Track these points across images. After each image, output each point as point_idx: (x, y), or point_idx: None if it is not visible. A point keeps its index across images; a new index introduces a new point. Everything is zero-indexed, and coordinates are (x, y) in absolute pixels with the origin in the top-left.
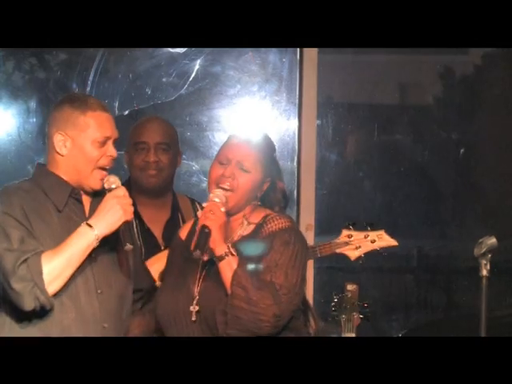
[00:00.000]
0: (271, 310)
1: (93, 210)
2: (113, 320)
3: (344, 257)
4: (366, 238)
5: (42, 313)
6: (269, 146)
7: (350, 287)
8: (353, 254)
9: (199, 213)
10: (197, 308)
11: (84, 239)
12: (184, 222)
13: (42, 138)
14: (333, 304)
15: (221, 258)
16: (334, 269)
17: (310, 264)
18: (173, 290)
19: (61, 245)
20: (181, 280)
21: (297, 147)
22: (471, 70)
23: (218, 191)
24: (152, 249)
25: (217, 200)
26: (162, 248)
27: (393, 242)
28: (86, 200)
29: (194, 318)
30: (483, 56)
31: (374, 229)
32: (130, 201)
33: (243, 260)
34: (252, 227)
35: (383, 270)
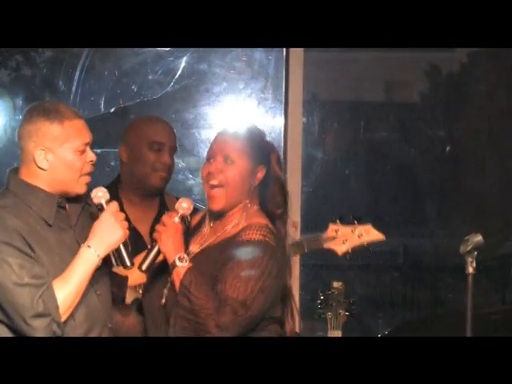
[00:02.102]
0: (212, 321)
1: (73, 213)
2: (113, 320)
3: (330, 254)
4: (352, 232)
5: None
6: (255, 133)
7: (335, 284)
8: (340, 249)
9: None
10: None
11: (89, 263)
12: None
13: None
14: (319, 301)
15: (172, 267)
16: (320, 266)
17: (296, 261)
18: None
19: (67, 271)
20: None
21: (283, 145)
22: (457, 67)
23: (184, 203)
24: (138, 248)
25: (180, 211)
26: (149, 247)
27: (380, 236)
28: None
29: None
30: (469, 53)
31: (361, 223)
32: (123, 215)
33: (194, 270)
34: (236, 230)
35: (369, 267)
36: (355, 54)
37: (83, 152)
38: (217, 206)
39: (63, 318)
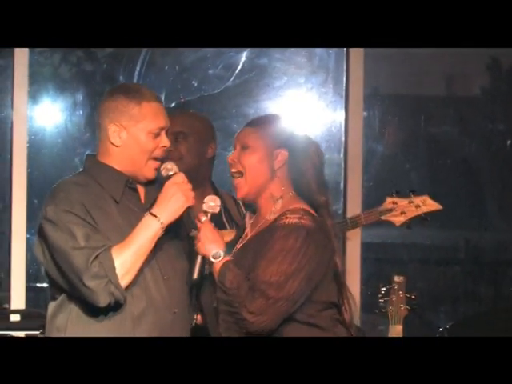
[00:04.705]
0: (243, 308)
1: (148, 197)
2: (182, 305)
3: (392, 248)
4: (410, 203)
5: (115, 307)
6: (272, 119)
7: (397, 279)
8: (397, 220)
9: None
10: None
11: (150, 229)
12: (227, 213)
13: (89, 130)
14: (380, 296)
15: (211, 266)
16: (382, 260)
17: (357, 255)
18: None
19: (128, 237)
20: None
21: (343, 139)
22: None
23: (211, 201)
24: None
25: (210, 211)
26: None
27: (437, 206)
28: (140, 187)
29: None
30: None
31: (417, 194)
32: (189, 186)
33: (229, 263)
34: (273, 218)
35: (430, 261)
36: (416, 48)
37: (157, 136)
38: (240, 193)
39: (123, 283)
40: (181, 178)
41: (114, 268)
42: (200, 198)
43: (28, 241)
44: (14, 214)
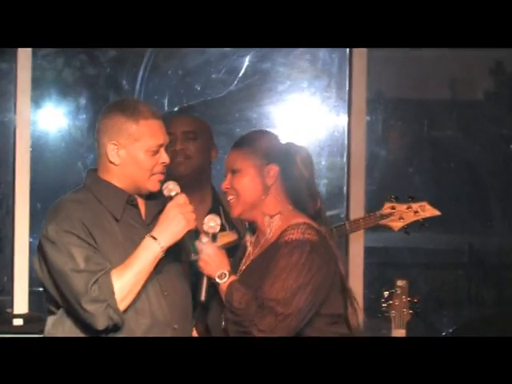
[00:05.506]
0: (254, 326)
1: (149, 212)
2: (181, 320)
3: (394, 252)
4: (408, 209)
5: (113, 329)
6: (256, 134)
7: (400, 283)
8: (396, 225)
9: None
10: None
11: (150, 252)
12: (226, 215)
13: (92, 134)
14: (383, 300)
15: (217, 286)
16: (384, 265)
17: (360, 259)
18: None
19: (128, 260)
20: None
21: (346, 143)
22: None
23: (211, 222)
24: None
25: (211, 231)
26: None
27: (435, 212)
28: (141, 202)
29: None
30: None
31: (416, 200)
32: (191, 208)
33: (235, 283)
34: (276, 235)
35: (433, 265)
36: (419, 51)
37: (156, 153)
38: (234, 212)
39: (122, 306)
40: (182, 199)
41: (113, 293)
42: (200, 201)
43: (31, 245)
44: (16, 218)
